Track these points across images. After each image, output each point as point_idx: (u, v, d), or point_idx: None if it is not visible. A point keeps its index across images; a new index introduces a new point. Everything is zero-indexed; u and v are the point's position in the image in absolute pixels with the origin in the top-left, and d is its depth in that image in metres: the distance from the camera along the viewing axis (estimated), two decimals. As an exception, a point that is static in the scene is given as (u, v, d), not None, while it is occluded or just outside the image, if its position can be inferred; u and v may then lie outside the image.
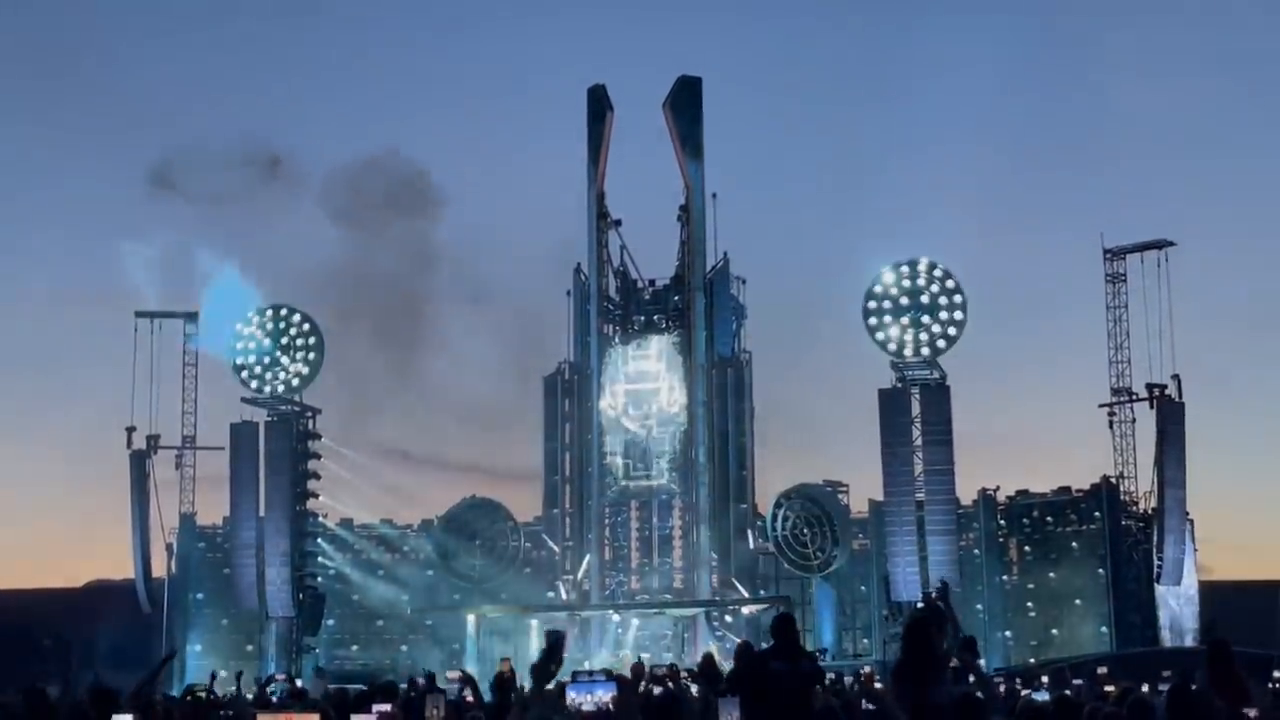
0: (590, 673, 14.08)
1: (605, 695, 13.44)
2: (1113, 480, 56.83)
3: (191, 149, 70.99)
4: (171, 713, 16.20)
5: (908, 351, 54.14)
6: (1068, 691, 20.71)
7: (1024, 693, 21.30)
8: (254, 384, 57.80)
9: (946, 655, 12.57)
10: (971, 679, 13.54)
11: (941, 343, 54.14)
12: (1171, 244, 56.30)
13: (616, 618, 57.11)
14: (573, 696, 13.38)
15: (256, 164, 67.11)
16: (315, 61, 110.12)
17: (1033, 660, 53.26)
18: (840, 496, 60.50)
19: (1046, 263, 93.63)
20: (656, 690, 14.76)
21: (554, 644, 8.98)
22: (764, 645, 14.44)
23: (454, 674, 21.91)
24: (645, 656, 49.35)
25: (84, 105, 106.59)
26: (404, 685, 24.19)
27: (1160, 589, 54.39)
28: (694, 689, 17.78)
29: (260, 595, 56.21)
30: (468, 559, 61.17)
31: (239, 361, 57.93)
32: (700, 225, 60.17)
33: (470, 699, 16.96)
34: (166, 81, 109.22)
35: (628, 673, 19.61)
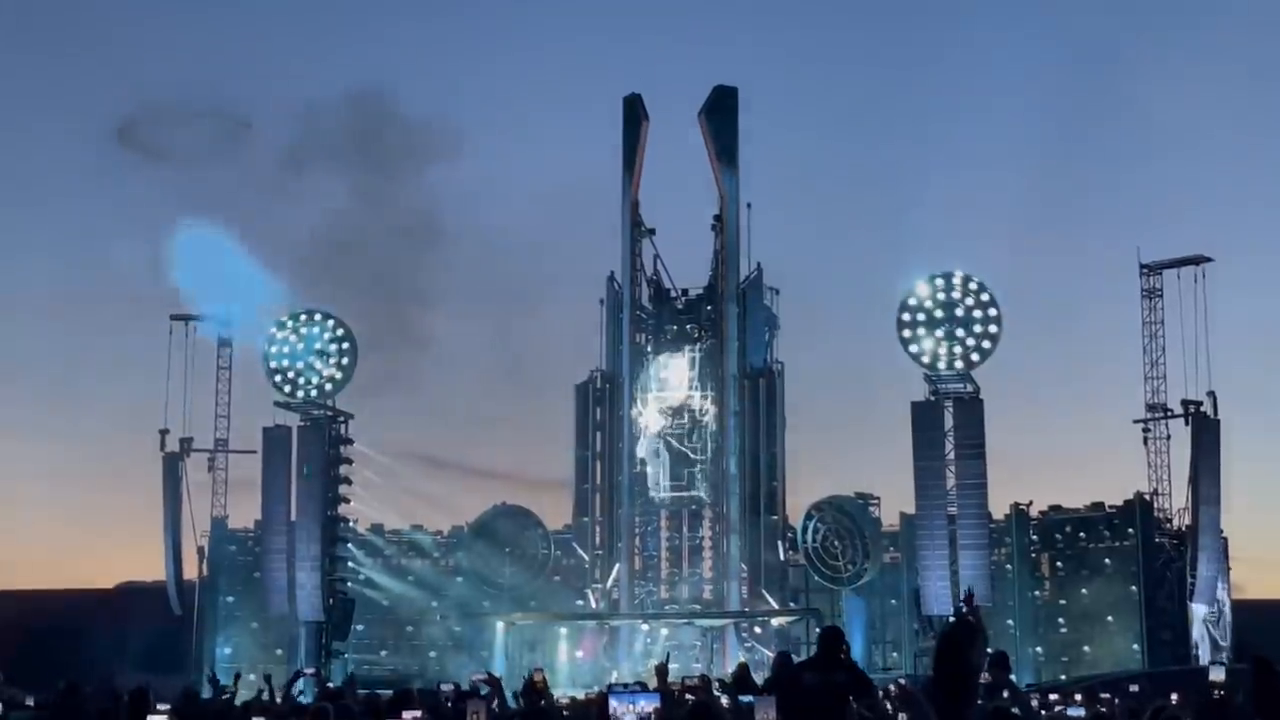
0: (625, 685, 13.94)
1: (648, 706, 13.35)
2: (1147, 497, 56.51)
3: (173, 113, 71.04)
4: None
5: (941, 364, 53.88)
6: (1102, 709, 20.56)
7: (1058, 709, 21.15)
8: (287, 388, 57.88)
9: (979, 669, 12.45)
10: (1005, 694, 13.43)
11: (975, 356, 53.85)
12: (1208, 259, 55.97)
13: (645, 627, 57.05)
14: (615, 706, 13.31)
15: (229, 128, 67.32)
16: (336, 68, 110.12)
17: (1063, 677, 52.94)
18: (871, 509, 60.36)
19: (1082, 277, 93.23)
20: (689, 698, 14.70)
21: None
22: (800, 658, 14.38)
23: (479, 676, 21.89)
24: (674, 667, 49.36)
25: (51, 63, 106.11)
26: (447, 687, 24.26)
27: (1193, 607, 53.99)
28: (724, 699, 17.71)
29: (291, 599, 56.30)
30: (498, 566, 61.22)
31: (272, 365, 57.99)
32: (734, 235, 60.13)
33: (495, 706, 16.90)
34: (138, 34, 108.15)
35: (654, 681, 19.57)
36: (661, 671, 17.15)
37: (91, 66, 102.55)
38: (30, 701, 24.89)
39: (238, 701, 22.06)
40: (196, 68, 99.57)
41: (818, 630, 14.99)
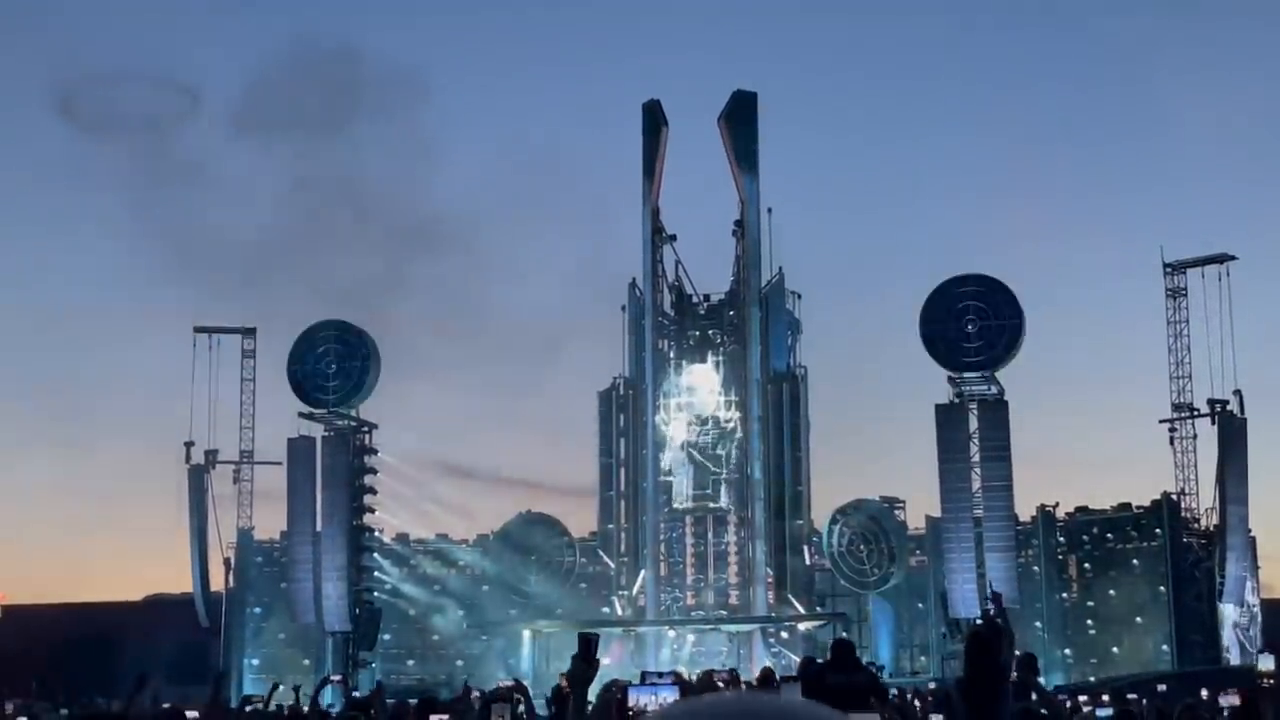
0: (660, 674, 13.83)
1: (669, 697, 13.33)
2: (1174, 497, 56.21)
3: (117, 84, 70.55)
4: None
5: (965, 366, 53.74)
6: (1131, 709, 20.47)
7: (1086, 710, 21.06)
8: (311, 399, 57.96)
9: (1009, 670, 12.42)
10: (1034, 696, 13.38)
11: (999, 357, 53.69)
12: (1232, 258, 55.73)
13: (672, 634, 56.98)
14: (636, 698, 13.28)
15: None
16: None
17: (1093, 679, 52.68)
18: (897, 512, 60.21)
19: (1106, 277, 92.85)
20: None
21: (585, 645, 8.93)
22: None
23: (507, 683, 21.92)
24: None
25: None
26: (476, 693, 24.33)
27: (1222, 606, 53.70)
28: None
29: (317, 610, 56.41)
30: (524, 574, 61.23)
31: (296, 377, 58.11)
32: (755, 240, 60.07)
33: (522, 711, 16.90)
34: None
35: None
36: (707, 679, 17.11)
37: (33, 45, 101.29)
38: (63, 713, 25.03)
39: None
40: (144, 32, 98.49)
41: (831, 640, 15.10)
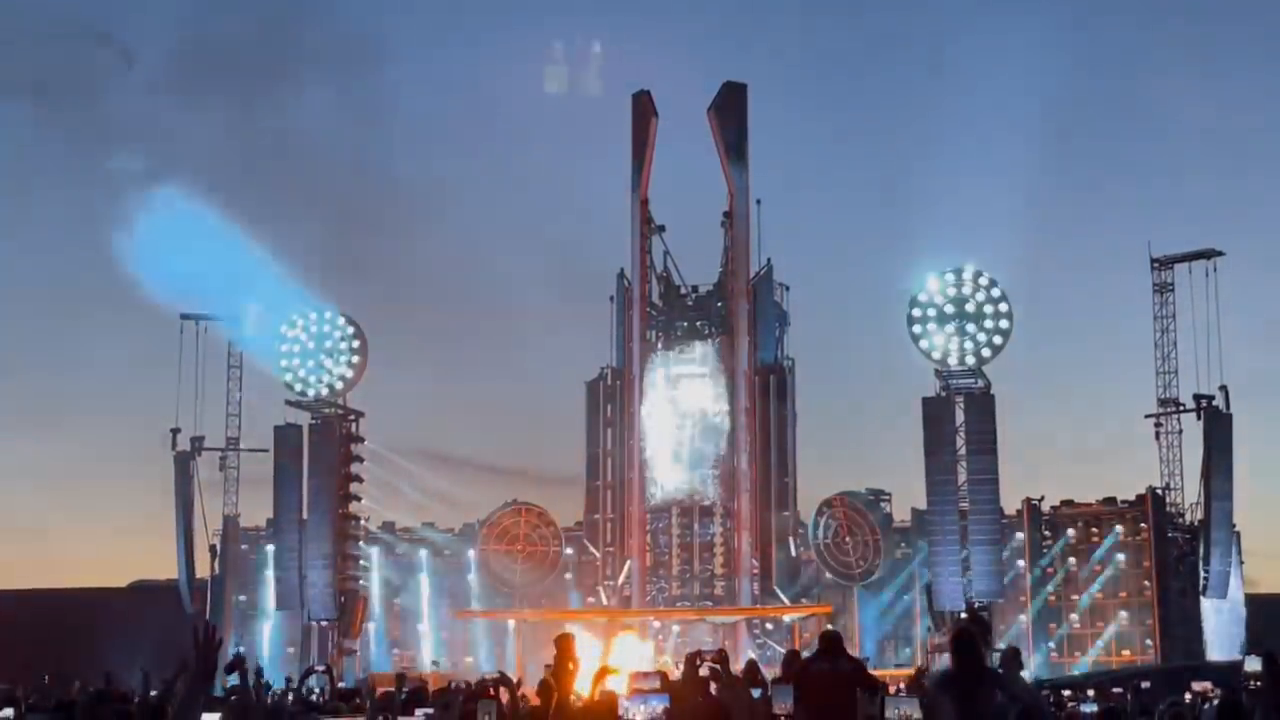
0: (645, 674, 13.67)
1: (659, 707, 13.25)
2: (1159, 491, 56.39)
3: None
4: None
5: (952, 360, 53.83)
6: (1114, 705, 20.57)
7: (1070, 704, 21.13)
8: (298, 387, 57.95)
9: (991, 666, 12.51)
10: (1018, 691, 13.43)
11: (986, 351, 53.79)
12: (1220, 253, 55.82)
13: (657, 624, 57.05)
14: (626, 708, 13.19)
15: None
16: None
17: (1076, 672, 52.85)
18: (883, 504, 60.31)
19: (1093, 271, 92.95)
20: (704, 670, 14.62)
21: (564, 646, 8.95)
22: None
23: (491, 675, 21.91)
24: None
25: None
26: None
27: (1205, 602, 53.89)
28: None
29: (302, 597, 56.41)
30: (509, 564, 61.27)
31: (282, 364, 58.09)
32: (744, 231, 60.07)
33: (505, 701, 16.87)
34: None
35: (674, 673, 19.47)
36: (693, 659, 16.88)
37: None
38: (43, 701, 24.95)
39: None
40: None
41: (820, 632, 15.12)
